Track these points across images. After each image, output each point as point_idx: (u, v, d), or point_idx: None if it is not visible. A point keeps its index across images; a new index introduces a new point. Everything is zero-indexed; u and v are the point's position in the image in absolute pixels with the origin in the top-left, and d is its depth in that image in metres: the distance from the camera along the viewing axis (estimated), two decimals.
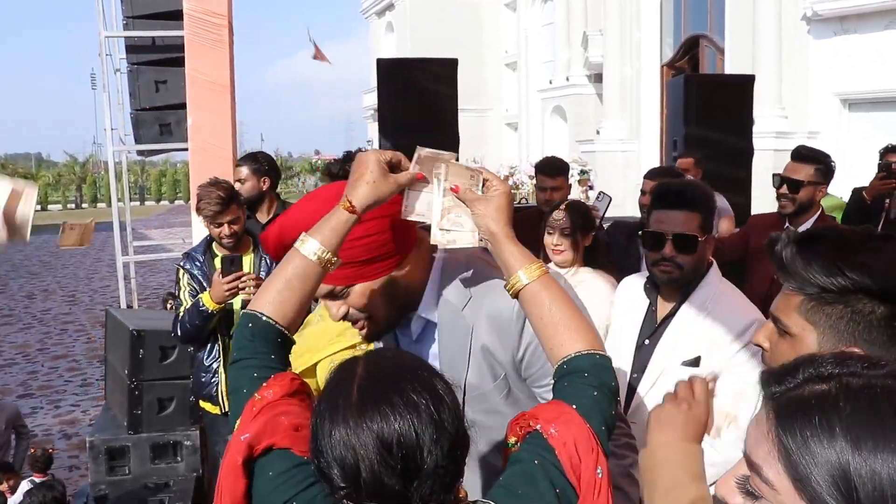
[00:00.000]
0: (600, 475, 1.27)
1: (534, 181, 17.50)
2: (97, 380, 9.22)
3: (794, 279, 1.40)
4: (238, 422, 1.39)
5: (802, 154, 3.91)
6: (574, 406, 1.34)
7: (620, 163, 20.39)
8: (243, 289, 3.60)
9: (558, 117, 26.01)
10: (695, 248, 2.39)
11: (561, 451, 1.27)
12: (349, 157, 3.15)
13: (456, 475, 1.23)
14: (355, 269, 1.64)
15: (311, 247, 1.52)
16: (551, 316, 1.48)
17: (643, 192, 4.71)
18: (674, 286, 2.47)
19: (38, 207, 46.04)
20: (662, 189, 2.56)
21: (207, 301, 3.60)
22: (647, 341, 2.48)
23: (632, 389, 2.49)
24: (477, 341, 1.70)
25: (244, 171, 4.66)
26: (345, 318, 1.71)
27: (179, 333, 3.88)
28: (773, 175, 4.06)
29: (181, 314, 3.82)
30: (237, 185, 4.13)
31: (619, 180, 19.33)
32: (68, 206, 46.86)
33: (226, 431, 3.95)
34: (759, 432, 0.92)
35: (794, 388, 0.91)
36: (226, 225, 3.73)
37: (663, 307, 2.51)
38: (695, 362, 2.34)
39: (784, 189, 3.86)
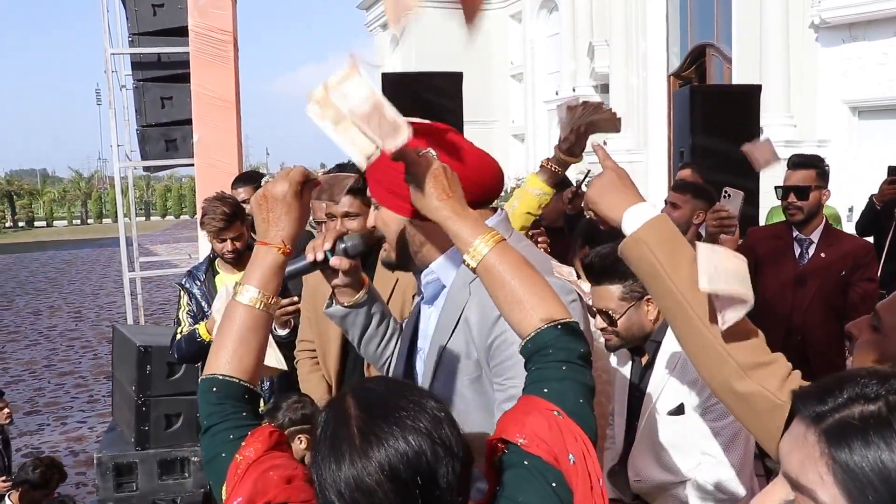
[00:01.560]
0: (572, 461, 1.22)
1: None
2: (104, 396, 9.20)
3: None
4: (224, 488, 1.33)
5: (801, 161, 3.96)
6: (545, 390, 1.30)
7: (627, 172, 20.36)
8: None
9: None
10: (612, 320, 2.44)
11: (538, 451, 1.23)
12: (343, 168, 3.11)
13: (467, 492, 1.20)
14: (388, 192, 1.75)
15: (250, 294, 1.51)
16: (511, 288, 1.41)
17: (672, 205, 4.38)
18: (616, 349, 2.54)
19: (44, 224, 46.36)
20: (585, 264, 2.51)
21: (203, 333, 3.54)
22: (636, 393, 2.54)
23: (629, 438, 2.55)
24: (465, 314, 1.73)
25: (242, 194, 4.57)
26: (374, 229, 1.83)
27: (177, 355, 3.86)
28: (776, 188, 4.06)
29: (178, 338, 3.79)
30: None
31: None
32: (73, 221, 47.02)
33: None
34: (805, 455, 0.90)
35: (840, 408, 0.89)
36: (229, 241, 3.70)
37: (644, 359, 2.55)
38: (678, 410, 2.38)
39: (792, 198, 3.85)
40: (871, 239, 6.17)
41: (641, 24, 20.67)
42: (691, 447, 2.34)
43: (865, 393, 0.89)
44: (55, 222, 46.80)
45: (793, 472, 0.91)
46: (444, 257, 1.80)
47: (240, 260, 3.77)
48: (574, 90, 24.73)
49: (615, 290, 2.42)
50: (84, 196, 48.64)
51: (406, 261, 1.83)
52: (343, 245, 1.85)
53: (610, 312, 2.43)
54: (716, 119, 5.93)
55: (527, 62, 30.04)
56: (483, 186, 1.78)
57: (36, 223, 46.23)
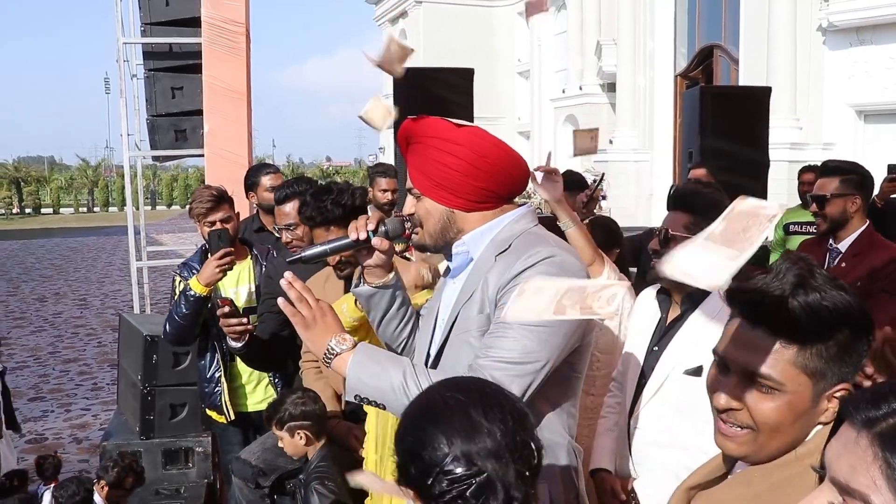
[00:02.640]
0: None
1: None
2: (108, 384, 9.24)
3: (781, 334, 1.32)
4: None
5: (828, 167, 3.80)
6: None
7: (633, 173, 20.37)
8: (231, 266, 3.45)
9: (571, 126, 26.01)
10: (669, 243, 2.46)
11: None
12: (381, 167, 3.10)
13: None
14: (433, 184, 1.94)
15: None
16: None
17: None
18: (672, 287, 2.52)
19: (51, 211, 46.46)
20: (671, 192, 2.64)
21: (195, 285, 3.45)
22: (655, 348, 2.52)
23: (638, 394, 2.54)
24: (486, 276, 1.89)
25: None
26: (409, 216, 1.99)
27: (168, 329, 3.71)
28: (805, 194, 3.94)
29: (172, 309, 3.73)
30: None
31: (631, 190, 19.31)
32: (80, 209, 47.10)
33: (235, 441, 3.92)
34: (856, 459, 0.89)
35: (894, 413, 0.89)
36: (218, 223, 3.62)
37: (673, 315, 2.54)
38: (696, 371, 2.37)
39: (814, 207, 3.77)
40: None
41: (649, 23, 20.66)
42: (699, 414, 2.31)
43: None
44: (62, 209, 46.92)
45: (842, 476, 0.90)
46: (478, 231, 1.97)
47: (232, 245, 3.68)
48: (581, 88, 24.73)
49: (684, 216, 2.51)
50: (91, 184, 48.73)
51: (442, 246, 2.00)
52: (384, 228, 1.99)
53: (668, 231, 2.50)
54: (725, 120, 5.94)
55: (534, 60, 30.03)
56: (510, 182, 1.97)
57: (42, 210, 46.33)
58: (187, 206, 3.88)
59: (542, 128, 28.92)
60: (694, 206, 2.51)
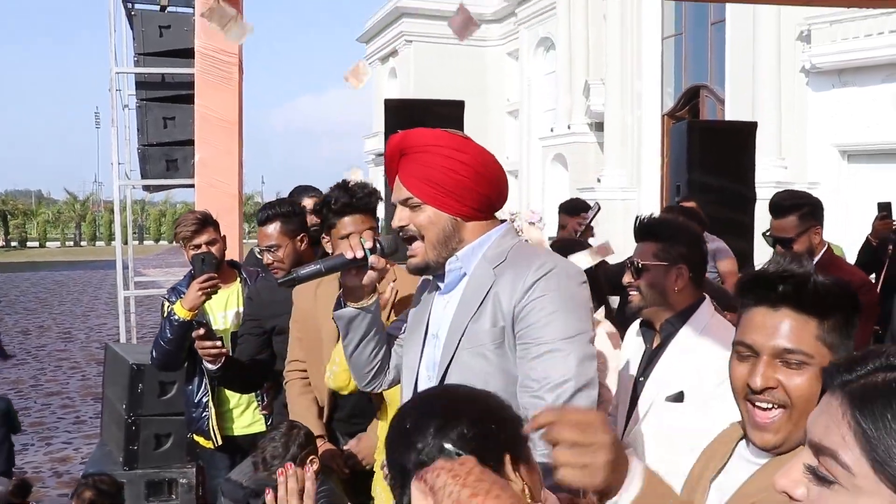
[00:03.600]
0: None
1: (534, 227, 17.64)
2: (90, 417, 9.13)
3: (817, 308, 1.48)
4: None
5: (782, 206, 3.69)
6: None
7: (621, 210, 20.49)
8: (216, 290, 3.42)
9: (559, 165, 26.20)
10: (641, 273, 2.50)
11: None
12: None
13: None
14: (437, 191, 1.92)
15: None
16: None
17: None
18: (637, 311, 2.55)
19: (37, 244, 46.25)
20: (636, 224, 2.65)
21: (179, 310, 3.43)
22: (641, 378, 2.53)
23: (626, 424, 2.54)
24: (494, 289, 1.90)
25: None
26: (401, 230, 1.96)
27: (155, 354, 3.69)
28: (764, 234, 3.93)
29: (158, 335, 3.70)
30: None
31: (619, 227, 19.39)
32: (67, 243, 46.89)
33: (223, 466, 3.88)
34: (829, 418, 0.93)
35: (866, 375, 0.93)
36: (204, 245, 3.60)
37: (656, 343, 2.55)
38: (678, 397, 2.37)
39: (779, 248, 3.74)
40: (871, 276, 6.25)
41: (637, 64, 20.95)
42: (681, 440, 2.31)
43: (891, 363, 0.93)
44: (48, 243, 46.71)
45: (816, 436, 0.94)
46: (470, 247, 1.97)
47: (218, 270, 3.67)
48: (569, 127, 24.96)
49: (651, 246, 2.53)
50: (78, 218, 48.62)
51: (443, 260, 1.97)
52: (380, 245, 2.00)
53: (638, 263, 2.51)
54: (712, 154, 6.01)
55: (523, 99, 30.34)
56: (501, 193, 2.00)
57: (29, 243, 46.11)
58: (173, 232, 3.86)
59: (530, 167, 29.12)
60: (660, 234, 2.54)
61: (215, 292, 3.46)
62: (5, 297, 20.62)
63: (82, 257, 37.11)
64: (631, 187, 20.82)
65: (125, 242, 7.28)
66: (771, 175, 14.44)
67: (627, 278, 2.55)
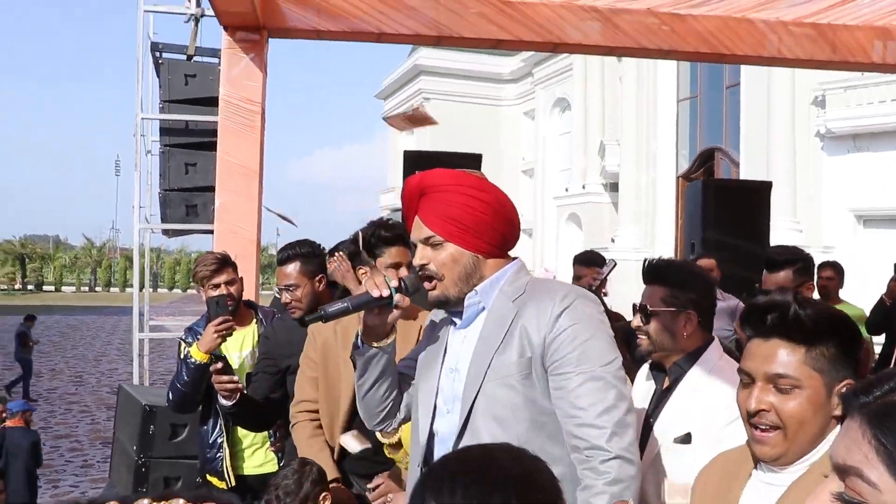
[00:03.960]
0: None
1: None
2: (98, 461, 9.11)
3: (790, 336, 1.63)
4: None
5: (777, 261, 3.76)
6: None
7: (634, 271, 20.33)
8: (231, 332, 3.43)
9: (573, 224, 26.29)
10: (650, 318, 2.49)
11: None
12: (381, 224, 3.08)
13: None
14: (459, 229, 1.96)
15: None
16: None
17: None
18: (659, 359, 2.53)
19: (53, 288, 46.52)
20: (645, 266, 2.64)
21: (195, 352, 3.46)
22: (651, 420, 2.52)
23: None
24: (517, 321, 1.95)
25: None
26: (421, 268, 1.99)
27: (171, 396, 3.70)
28: (756, 289, 3.94)
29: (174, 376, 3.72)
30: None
31: (633, 287, 19.28)
32: (82, 288, 47.13)
33: None
34: (850, 441, 0.98)
35: (883, 395, 0.99)
36: (222, 286, 3.64)
37: (665, 385, 2.55)
38: (685, 439, 2.37)
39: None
40: (882, 336, 6.24)
41: (652, 125, 21.14)
42: (689, 481, 2.31)
43: None
44: (64, 287, 47.00)
45: (840, 458, 0.99)
46: (488, 282, 2.02)
47: (236, 313, 3.74)
48: (584, 187, 25.11)
49: (660, 290, 2.51)
50: (94, 264, 48.99)
51: (457, 293, 2.01)
52: (404, 283, 2.03)
53: (647, 307, 2.50)
54: (727, 213, 6.04)
55: (538, 158, 30.57)
56: (516, 231, 2.07)
57: (45, 287, 46.43)
58: (192, 271, 3.91)
59: (545, 225, 29.22)
60: (670, 279, 2.53)
61: (230, 334, 3.48)
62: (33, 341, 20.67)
63: (97, 302, 37.31)
64: (645, 247, 20.83)
65: (142, 285, 7.35)
66: (786, 238, 14.40)
67: (636, 322, 2.55)
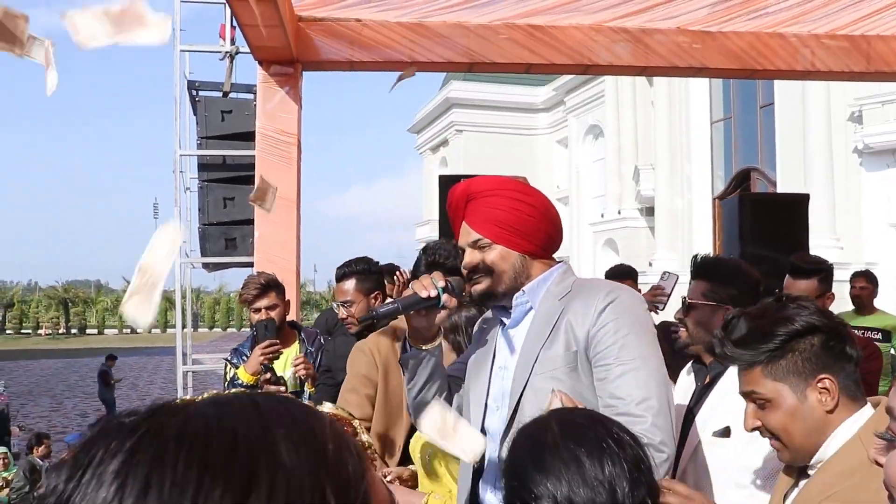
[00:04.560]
0: None
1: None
2: None
3: (744, 360, 1.73)
4: None
5: (803, 268, 3.81)
6: None
7: (673, 294, 20.29)
8: (277, 356, 3.51)
9: (610, 250, 26.16)
10: (690, 311, 2.57)
11: None
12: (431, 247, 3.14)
13: None
14: (506, 231, 2.05)
15: None
16: None
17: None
18: (685, 347, 2.61)
19: (96, 331, 47.24)
20: (695, 261, 2.75)
21: (242, 374, 3.53)
22: (692, 414, 2.54)
23: (677, 459, 2.51)
24: (564, 317, 2.01)
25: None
26: (472, 270, 2.07)
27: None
28: (776, 295, 3.90)
29: None
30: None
31: (671, 311, 19.15)
32: (124, 330, 47.75)
33: None
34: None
35: None
36: (263, 310, 3.71)
37: (707, 381, 2.58)
38: (725, 432, 2.38)
39: None
40: None
41: (686, 148, 21.03)
42: (727, 476, 2.30)
43: None
44: (106, 330, 47.71)
45: (890, 402, 1.09)
46: (535, 282, 2.10)
47: (279, 332, 3.76)
48: (619, 212, 25.01)
49: (703, 284, 2.58)
50: None
51: (504, 291, 2.09)
52: (451, 285, 2.09)
53: (687, 300, 2.57)
54: (764, 227, 5.98)
55: (572, 185, 30.55)
56: (561, 233, 2.14)
57: (88, 330, 47.19)
58: (239, 294, 3.99)
59: (581, 252, 29.13)
60: (714, 274, 2.60)
61: (277, 357, 3.55)
62: (65, 382, 20.97)
63: (139, 344, 37.77)
64: (683, 270, 20.62)
65: (184, 325, 7.44)
66: (827, 255, 14.08)
67: (679, 314, 2.62)
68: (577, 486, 1.25)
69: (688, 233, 20.84)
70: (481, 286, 2.08)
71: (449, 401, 2.23)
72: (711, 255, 2.80)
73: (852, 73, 5.80)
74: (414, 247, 41.30)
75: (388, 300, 2.19)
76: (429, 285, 2.06)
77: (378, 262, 3.83)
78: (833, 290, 3.86)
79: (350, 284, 3.55)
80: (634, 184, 24.10)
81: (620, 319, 1.96)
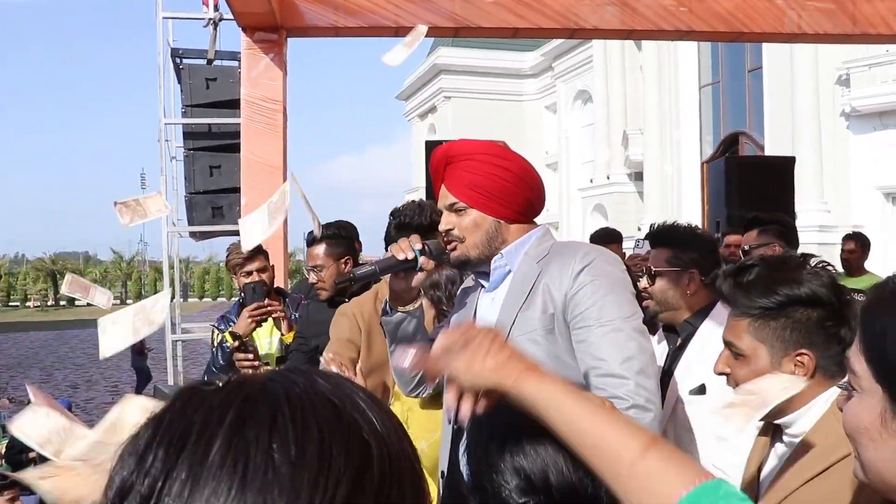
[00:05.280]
0: None
1: None
2: None
3: (738, 306, 1.68)
4: None
5: (751, 220, 3.87)
6: None
7: None
8: (266, 318, 3.51)
9: (599, 215, 26.20)
10: (655, 279, 2.62)
11: None
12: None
13: None
14: (482, 196, 2.05)
15: None
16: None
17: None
18: (653, 317, 2.63)
19: (85, 303, 47.15)
20: (649, 231, 2.83)
21: (230, 338, 3.52)
22: (665, 377, 2.57)
23: None
24: (541, 279, 2.02)
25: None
26: (447, 233, 2.08)
27: (206, 380, 3.81)
28: (742, 250, 3.94)
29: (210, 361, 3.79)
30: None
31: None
32: (113, 301, 47.68)
33: None
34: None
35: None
36: (255, 273, 3.71)
37: (678, 344, 2.64)
38: (700, 390, 2.41)
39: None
40: None
41: (675, 113, 21.00)
42: (708, 430, 2.35)
43: None
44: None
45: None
46: (513, 246, 2.10)
47: (267, 297, 3.76)
48: (608, 178, 25.02)
49: (665, 252, 2.63)
50: (124, 277, 49.58)
51: (484, 258, 2.10)
52: (428, 247, 2.09)
53: (653, 269, 2.61)
54: (751, 189, 6.01)
55: (561, 151, 30.49)
56: (541, 198, 2.13)
57: (77, 302, 47.05)
58: (225, 260, 3.98)
59: (570, 218, 29.15)
60: (673, 241, 2.64)
61: (266, 320, 3.56)
62: (55, 354, 20.97)
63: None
64: None
65: (173, 294, 7.43)
66: (814, 219, 14.30)
67: (643, 284, 2.63)
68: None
69: (677, 198, 20.88)
70: (457, 252, 2.10)
71: None
72: (665, 223, 2.81)
73: (838, 35, 5.79)
74: None
75: (366, 264, 2.17)
76: (406, 248, 2.06)
77: (353, 226, 3.81)
78: (782, 247, 3.80)
79: (320, 249, 3.53)
80: (623, 149, 24.10)
81: (597, 281, 1.97)
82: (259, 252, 3.77)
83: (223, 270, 48.90)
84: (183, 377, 8.18)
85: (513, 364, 1.14)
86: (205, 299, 48.26)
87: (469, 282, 2.28)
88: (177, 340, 7.44)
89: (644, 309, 2.71)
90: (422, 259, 2.07)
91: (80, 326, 30.81)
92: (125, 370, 17.55)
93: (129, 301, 47.63)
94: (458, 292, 2.34)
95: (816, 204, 14.82)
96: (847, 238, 6.46)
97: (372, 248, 4.74)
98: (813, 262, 1.70)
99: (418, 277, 2.11)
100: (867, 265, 6.51)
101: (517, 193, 2.08)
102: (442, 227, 2.12)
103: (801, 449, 1.62)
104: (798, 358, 1.62)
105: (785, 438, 1.70)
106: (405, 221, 2.94)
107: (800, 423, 1.65)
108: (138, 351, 14.30)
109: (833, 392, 1.61)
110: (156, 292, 7.26)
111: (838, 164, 15.24)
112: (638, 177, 23.41)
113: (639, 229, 21.74)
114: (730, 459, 2.29)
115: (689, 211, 20.51)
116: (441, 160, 2.12)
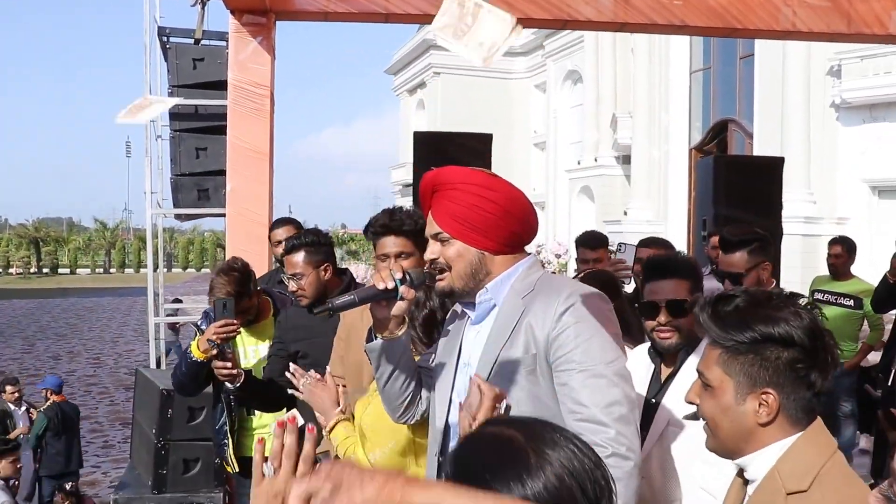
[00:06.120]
0: None
1: (559, 259, 17.60)
2: (119, 442, 9.24)
3: (711, 336, 1.65)
4: None
5: (731, 241, 3.66)
6: None
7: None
8: (231, 336, 3.41)
9: (586, 198, 26.20)
10: (685, 311, 2.52)
11: None
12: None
13: None
14: (466, 227, 2.03)
15: None
16: None
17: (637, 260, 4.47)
18: (675, 350, 2.57)
19: (68, 271, 46.90)
20: (652, 262, 2.73)
21: (195, 350, 3.49)
22: (653, 400, 2.56)
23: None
24: (524, 318, 2.00)
25: (282, 234, 4.36)
26: (432, 262, 2.08)
27: (174, 381, 3.79)
28: (713, 270, 3.87)
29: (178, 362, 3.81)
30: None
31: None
32: (97, 270, 47.43)
33: (244, 491, 3.96)
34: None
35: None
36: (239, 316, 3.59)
37: (666, 370, 2.60)
38: (695, 416, 2.40)
39: (727, 284, 3.69)
40: (893, 314, 6.20)
41: (664, 97, 20.96)
42: (695, 453, 2.35)
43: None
44: (78, 270, 47.31)
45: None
46: (499, 279, 2.08)
47: (256, 320, 3.83)
48: (596, 160, 24.99)
49: (687, 283, 2.57)
50: (108, 245, 49.25)
51: (469, 289, 2.08)
52: (409, 277, 2.07)
53: (686, 302, 2.50)
54: (739, 189, 6.00)
55: (549, 131, 30.42)
56: (530, 228, 2.10)
57: (60, 270, 46.77)
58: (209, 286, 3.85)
59: (556, 199, 29.13)
60: (691, 272, 2.61)
61: (233, 338, 3.48)
62: (37, 323, 20.85)
63: (112, 284, 37.59)
64: (658, 221, 20.74)
65: (156, 270, 7.37)
66: (800, 210, 14.33)
67: (664, 317, 2.53)
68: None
69: (664, 183, 20.89)
70: (441, 283, 2.09)
71: (418, 391, 2.24)
72: (669, 253, 2.77)
73: (833, 34, 5.77)
74: (390, 189, 41.14)
75: (346, 294, 2.13)
76: (387, 277, 2.04)
77: (328, 234, 3.78)
78: (768, 261, 3.73)
79: (299, 257, 3.50)
80: (612, 131, 24.05)
81: (581, 324, 1.94)
82: (244, 296, 3.68)
83: (207, 241, 48.67)
84: (165, 358, 8.17)
85: (392, 482, 1.13)
86: (189, 270, 48.03)
87: (458, 307, 2.24)
88: (159, 322, 7.41)
89: (663, 339, 2.63)
90: (402, 288, 2.04)
91: (63, 296, 30.69)
92: (107, 342, 17.49)
93: (112, 270, 47.44)
94: (447, 318, 2.31)
95: (803, 195, 14.85)
96: (833, 242, 6.48)
97: (356, 221, 4.74)
98: (801, 301, 1.67)
99: (399, 306, 2.07)
100: (854, 266, 6.55)
101: (502, 227, 2.05)
102: (427, 256, 2.11)
103: (757, 495, 1.62)
104: (763, 396, 1.59)
105: (747, 475, 1.69)
106: (370, 230, 2.92)
107: (753, 467, 1.64)
108: (171, 327, 14.09)
109: (788, 441, 1.59)
110: (140, 262, 7.20)
111: (826, 155, 15.27)
112: (626, 160, 23.38)
113: (625, 213, 21.79)
114: (717, 483, 2.30)
115: (676, 196, 20.57)
116: (428, 187, 2.10)
